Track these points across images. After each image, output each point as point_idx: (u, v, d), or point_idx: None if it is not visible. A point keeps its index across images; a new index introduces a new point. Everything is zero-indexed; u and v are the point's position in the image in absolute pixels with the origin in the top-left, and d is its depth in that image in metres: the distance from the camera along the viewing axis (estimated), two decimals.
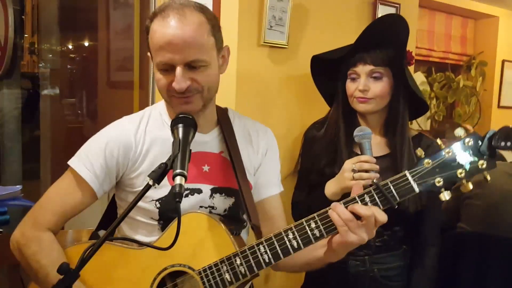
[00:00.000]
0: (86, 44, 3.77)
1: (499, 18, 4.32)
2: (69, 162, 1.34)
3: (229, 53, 1.37)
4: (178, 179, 1.04)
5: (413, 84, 1.68)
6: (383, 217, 1.18)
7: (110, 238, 1.05)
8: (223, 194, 1.37)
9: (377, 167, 1.46)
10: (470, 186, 1.17)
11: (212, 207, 1.35)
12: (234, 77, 1.89)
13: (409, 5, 2.48)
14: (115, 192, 1.42)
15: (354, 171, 1.47)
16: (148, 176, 1.07)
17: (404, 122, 1.68)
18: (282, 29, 1.97)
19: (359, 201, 1.20)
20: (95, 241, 1.04)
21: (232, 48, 1.50)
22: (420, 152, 1.19)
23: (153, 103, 2.14)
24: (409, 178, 1.18)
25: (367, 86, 1.63)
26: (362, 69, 1.64)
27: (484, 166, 1.15)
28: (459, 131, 1.17)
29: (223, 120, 1.43)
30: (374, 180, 1.40)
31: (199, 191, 1.34)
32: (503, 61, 4.38)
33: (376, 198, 1.20)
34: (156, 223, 1.33)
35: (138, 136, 1.34)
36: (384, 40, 1.62)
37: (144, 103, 2.35)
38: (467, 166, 1.16)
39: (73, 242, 1.44)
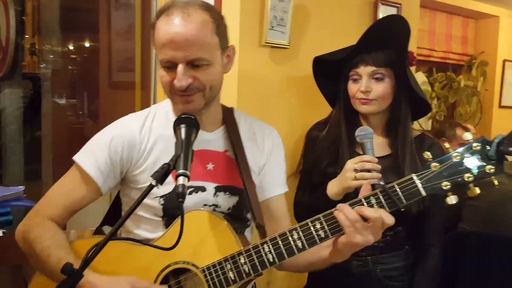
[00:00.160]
0: (88, 44, 3.77)
1: (500, 18, 4.31)
2: (74, 157, 1.35)
3: (234, 53, 1.37)
4: (181, 179, 1.05)
5: (415, 84, 1.67)
6: (390, 220, 1.18)
7: (113, 238, 1.05)
8: (227, 193, 1.37)
9: (379, 167, 1.46)
10: (477, 190, 1.16)
11: (216, 205, 1.36)
12: (235, 77, 1.89)
13: (410, 5, 2.48)
14: (120, 188, 1.43)
15: (356, 170, 1.46)
16: (151, 176, 1.07)
17: (406, 123, 1.68)
18: (284, 30, 1.97)
19: (365, 203, 1.20)
20: (99, 240, 1.04)
21: None
22: (427, 155, 1.18)
23: (155, 103, 2.14)
24: (416, 181, 1.18)
25: (369, 87, 1.63)
26: (364, 70, 1.64)
27: (492, 171, 1.15)
28: (468, 135, 1.16)
29: (228, 119, 1.43)
30: (380, 182, 1.39)
31: (203, 189, 1.35)
32: (504, 61, 4.37)
33: (382, 200, 1.20)
34: (160, 219, 1.33)
35: (143, 133, 1.35)
36: (385, 41, 1.62)
37: (146, 104, 2.34)
38: (475, 171, 1.15)
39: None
